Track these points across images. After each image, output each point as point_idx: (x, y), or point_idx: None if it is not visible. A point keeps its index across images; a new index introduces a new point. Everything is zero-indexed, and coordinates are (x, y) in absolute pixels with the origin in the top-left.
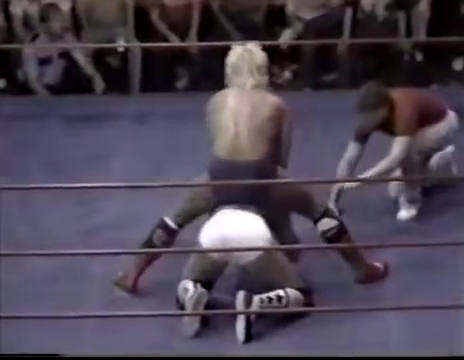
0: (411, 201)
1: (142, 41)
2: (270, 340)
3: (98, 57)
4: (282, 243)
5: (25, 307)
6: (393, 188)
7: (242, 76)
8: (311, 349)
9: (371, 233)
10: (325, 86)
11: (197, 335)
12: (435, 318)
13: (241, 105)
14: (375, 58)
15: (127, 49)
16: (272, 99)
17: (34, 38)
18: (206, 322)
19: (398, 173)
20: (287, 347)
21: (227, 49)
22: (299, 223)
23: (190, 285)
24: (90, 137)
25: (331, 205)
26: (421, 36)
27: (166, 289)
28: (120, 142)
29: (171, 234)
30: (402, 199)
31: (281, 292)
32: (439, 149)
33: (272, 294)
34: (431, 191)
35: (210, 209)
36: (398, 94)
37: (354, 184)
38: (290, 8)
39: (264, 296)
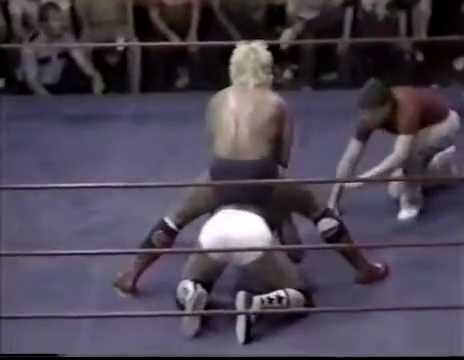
0: (412, 201)
1: (142, 40)
2: (270, 341)
3: (97, 57)
4: (283, 243)
5: (24, 307)
6: (394, 188)
7: (245, 75)
8: (311, 350)
9: (372, 233)
10: (325, 86)
11: (197, 335)
12: (435, 318)
13: (242, 104)
14: (375, 58)
15: (126, 48)
16: (274, 99)
17: (33, 37)
18: (206, 322)
19: (399, 173)
20: (287, 348)
21: (227, 48)
22: (299, 223)
23: (190, 285)
24: (89, 137)
25: (331, 205)
26: (422, 35)
27: (166, 289)
28: (119, 142)
29: (171, 235)
30: (403, 199)
31: (281, 293)
32: (440, 149)
33: (272, 294)
34: (432, 191)
35: (210, 209)
36: (401, 92)
37: (355, 184)
38: (290, 8)
39: (264, 296)
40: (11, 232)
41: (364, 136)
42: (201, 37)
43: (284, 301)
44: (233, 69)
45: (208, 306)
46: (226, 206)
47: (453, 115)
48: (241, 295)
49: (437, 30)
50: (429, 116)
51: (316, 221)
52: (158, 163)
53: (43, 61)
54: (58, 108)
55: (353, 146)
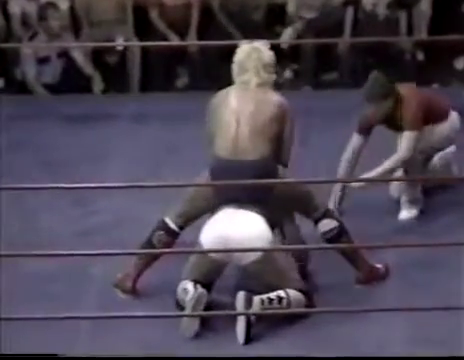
0: (412, 201)
1: (141, 40)
2: (270, 341)
3: (97, 56)
4: (285, 243)
5: (24, 308)
6: (394, 188)
7: (247, 74)
8: (312, 350)
9: (372, 233)
10: (326, 85)
11: (197, 336)
12: (436, 319)
13: (243, 104)
14: (376, 57)
15: (126, 48)
16: (275, 98)
17: (32, 37)
18: (206, 323)
19: (399, 173)
20: (288, 348)
21: (227, 48)
22: (300, 224)
23: (190, 286)
24: (89, 137)
25: (332, 205)
26: (422, 35)
27: (166, 290)
28: (119, 142)
29: (172, 235)
30: (403, 199)
31: (282, 293)
32: (441, 149)
33: (273, 295)
34: (432, 191)
35: (211, 209)
36: (404, 88)
37: (357, 184)
38: (291, 7)
39: (264, 297)
40: (11, 232)
41: (366, 131)
42: (201, 37)
43: (284, 301)
44: (235, 68)
45: (208, 306)
46: (226, 206)
47: (454, 115)
48: (241, 295)
49: (437, 30)
50: (431, 115)
51: (316, 222)
52: (158, 163)
53: (42, 61)
54: (58, 108)
55: (355, 140)
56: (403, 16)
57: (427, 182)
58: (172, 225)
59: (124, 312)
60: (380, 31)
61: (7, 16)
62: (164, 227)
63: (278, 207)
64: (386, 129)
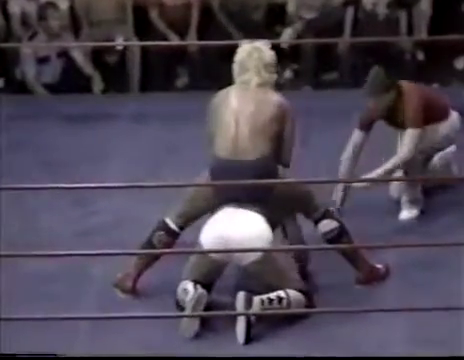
0: (413, 202)
1: (141, 40)
2: (270, 341)
3: (97, 56)
4: (286, 243)
5: (24, 308)
6: (395, 189)
7: (248, 73)
8: (312, 350)
9: (372, 234)
10: (326, 85)
11: (197, 336)
12: (436, 319)
13: (244, 104)
14: (376, 57)
15: (126, 48)
16: (275, 98)
17: (32, 37)
18: (206, 323)
19: (399, 173)
20: (288, 348)
21: (227, 48)
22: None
23: (190, 286)
24: (89, 137)
25: (336, 198)
26: (422, 35)
27: (166, 290)
28: (119, 142)
29: (172, 236)
30: (404, 200)
31: (282, 293)
32: (441, 149)
33: (273, 295)
34: (432, 191)
35: (211, 209)
36: (405, 84)
37: (360, 184)
38: (291, 7)
39: (264, 297)
40: (11, 232)
41: (367, 126)
42: (201, 37)
43: (284, 302)
44: (236, 68)
45: (208, 306)
46: (226, 205)
47: (454, 115)
48: (241, 295)
49: (438, 29)
50: (432, 113)
51: (317, 222)
52: (158, 163)
53: (42, 60)
54: (57, 108)
55: (356, 136)
56: (403, 16)
57: (427, 182)
58: (172, 225)
59: (124, 312)
60: (380, 31)
61: (7, 16)
62: (164, 227)
63: (278, 207)
64: (386, 129)
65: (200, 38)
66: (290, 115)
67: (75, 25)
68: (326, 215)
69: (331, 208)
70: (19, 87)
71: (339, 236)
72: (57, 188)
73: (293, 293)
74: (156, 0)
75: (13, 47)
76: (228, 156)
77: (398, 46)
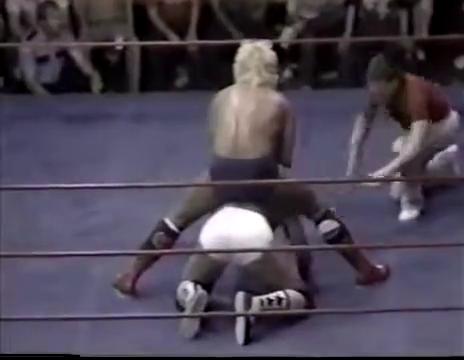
0: (413, 202)
1: (141, 39)
2: (270, 342)
3: (96, 56)
4: (291, 243)
5: (23, 308)
6: (395, 189)
7: (249, 73)
8: (312, 351)
9: (373, 234)
10: (325, 85)
11: (196, 336)
12: (436, 319)
13: (244, 103)
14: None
15: (126, 47)
16: (276, 98)
17: (31, 36)
18: (205, 324)
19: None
20: (287, 349)
21: (227, 47)
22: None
23: (190, 286)
24: (88, 136)
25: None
26: (423, 34)
27: (165, 290)
28: (119, 141)
29: (172, 236)
30: (404, 200)
31: (281, 294)
32: (440, 149)
33: (272, 295)
34: (433, 192)
35: (211, 210)
36: (410, 77)
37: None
38: (291, 7)
39: (264, 297)
40: (11, 232)
41: (371, 112)
42: (200, 36)
43: (284, 302)
44: (237, 68)
45: (208, 307)
46: (226, 205)
47: (453, 114)
48: (240, 296)
49: (438, 29)
50: (434, 110)
51: (317, 222)
52: (157, 163)
53: (41, 60)
54: (57, 107)
55: (361, 121)
56: (404, 15)
57: (427, 182)
58: (172, 226)
59: (124, 312)
60: (381, 30)
61: (6, 15)
62: (164, 228)
63: (279, 207)
64: (386, 129)
65: (200, 37)
66: (291, 115)
67: (74, 24)
68: (327, 215)
69: (332, 208)
70: (18, 87)
71: (340, 236)
72: (57, 188)
73: (293, 293)
74: None
75: (12, 47)
76: (228, 155)
77: (399, 45)
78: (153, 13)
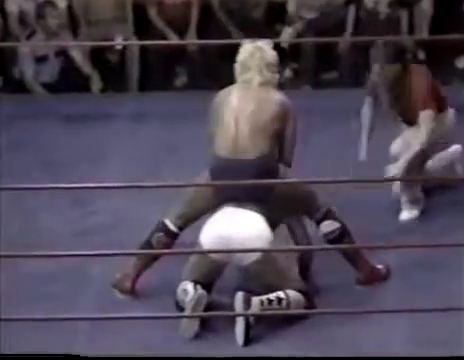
0: (413, 202)
1: (140, 39)
2: (270, 342)
3: (96, 55)
4: (297, 243)
5: (23, 308)
6: (398, 186)
7: (250, 72)
8: (312, 351)
9: (373, 234)
10: (325, 85)
11: (196, 337)
12: (436, 319)
13: (245, 103)
14: None
15: (125, 47)
16: (277, 97)
17: (30, 36)
18: (205, 324)
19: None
20: (287, 349)
21: (227, 47)
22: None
23: (190, 287)
24: (88, 136)
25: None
26: (424, 34)
27: (165, 290)
28: (118, 141)
29: (171, 237)
30: (403, 200)
31: (281, 294)
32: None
33: (272, 296)
34: (433, 192)
35: (211, 210)
36: (414, 66)
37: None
38: (291, 7)
39: (264, 298)
40: (10, 232)
41: (375, 92)
42: (200, 35)
43: (284, 302)
44: (238, 67)
45: (208, 307)
46: (226, 205)
47: (451, 111)
48: (240, 296)
49: (439, 29)
50: (436, 98)
51: (318, 222)
52: (157, 163)
53: (40, 60)
54: (56, 107)
55: (369, 102)
56: (404, 15)
57: (427, 182)
58: (171, 226)
59: (123, 312)
60: (381, 30)
61: (5, 14)
62: (163, 229)
63: (279, 206)
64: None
65: (200, 37)
66: (292, 114)
67: (73, 24)
68: (328, 215)
69: (333, 208)
70: (17, 86)
71: (341, 237)
72: (57, 188)
73: (293, 294)
74: None
75: (11, 46)
76: (228, 155)
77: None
78: (153, 12)
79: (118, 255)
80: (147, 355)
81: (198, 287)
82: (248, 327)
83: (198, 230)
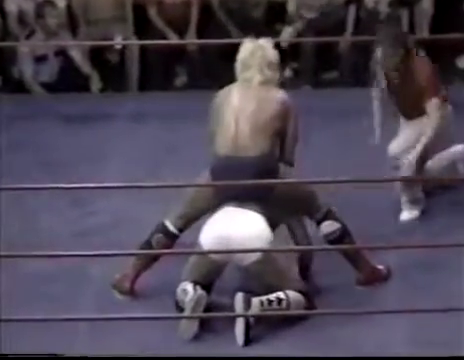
0: (413, 202)
1: (140, 38)
2: (270, 343)
3: (95, 55)
4: (297, 243)
5: (23, 308)
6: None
7: (250, 71)
8: (312, 352)
9: (374, 234)
10: (325, 84)
11: (196, 337)
12: (436, 319)
13: (245, 102)
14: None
15: (124, 47)
16: (278, 95)
17: (29, 35)
18: (205, 324)
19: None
20: (287, 350)
21: (226, 46)
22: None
23: (189, 287)
24: (87, 136)
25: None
26: (424, 33)
27: (165, 291)
28: (117, 141)
29: (171, 238)
30: (404, 200)
31: (281, 294)
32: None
33: (272, 296)
34: (434, 192)
35: (211, 210)
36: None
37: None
38: (291, 6)
39: (264, 298)
40: (10, 233)
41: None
42: (200, 35)
43: (284, 303)
44: (238, 66)
45: (208, 307)
46: (226, 204)
47: (449, 107)
48: (239, 296)
49: (439, 28)
50: (440, 87)
51: (319, 222)
52: (157, 163)
53: (40, 59)
54: (55, 107)
55: (377, 85)
56: (405, 14)
57: (427, 183)
58: (171, 228)
59: (123, 313)
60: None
61: (4, 14)
62: (163, 230)
63: (279, 206)
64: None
65: (199, 36)
66: (293, 112)
67: (73, 23)
68: (328, 216)
69: (333, 208)
70: (16, 86)
71: (341, 237)
72: (56, 188)
73: (293, 294)
74: None
75: (10, 46)
76: (229, 153)
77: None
78: (152, 12)
79: (118, 255)
80: (147, 355)
81: (198, 288)
82: (248, 328)
83: (198, 231)
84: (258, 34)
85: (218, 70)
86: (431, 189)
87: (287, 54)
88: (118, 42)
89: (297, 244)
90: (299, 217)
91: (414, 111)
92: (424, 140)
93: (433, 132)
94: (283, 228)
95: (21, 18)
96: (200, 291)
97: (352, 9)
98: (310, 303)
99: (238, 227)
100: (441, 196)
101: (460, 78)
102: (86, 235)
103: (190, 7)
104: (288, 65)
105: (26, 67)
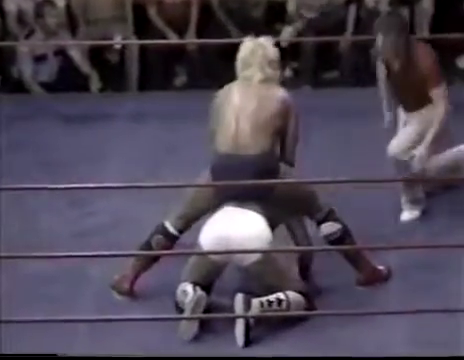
0: (413, 202)
1: (140, 38)
2: (270, 344)
3: (95, 55)
4: (297, 244)
5: (23, 309)
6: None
7: (251, 69)
8: (312, 353)
9: (374, 235)
10: (326, 84)
11: (196, 338)
12: (436, 319)
13: (245, 100)
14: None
15: (124, 46)
16: (279, 94)
17: (29, 35)
18: (205, 325)
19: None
20: (287, 351)
21: (226, 46)
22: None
23: (189, 288)
24: (87, 136)
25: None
26: (424, 33)
27: (165, 292)
28: (117, 141)
29: (171, 240)
30: (404, 200)
31: (281, 295)
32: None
33: (272, 297)
34: (434, 192)
35: (211, 210)
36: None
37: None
38: (291, 6)
39: (264, 299)
40: (10, 233)
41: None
42: (200, 35)
43: (284, 304)
44: (239, 64)
45: (208, 308)
46: (226, 204)
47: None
48: (239, 297)
49: (439, 28)
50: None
51: (319, 223)
52: (156, 163)
53: (39, 59)
54: (55, 107)
55: (381, 67)
56: (405, 14)
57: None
58: (171, 229)
59: (123, 314)
60: None
61: (3, 14)
62: (163, 231)
63: (280, 206)
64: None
65: (199, 36)
66: (293, 111)
67: (72, 23)
68: (329, 216)
69: (334, 208)
70: (16, 86)
71: (342, 238)
72: (56, 188)
73: (293, 295)
74: None
75: (10, 45)
76: (229, 151)
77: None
78: (152, 12)
79: (117, 256)
80: (146, 356)
81: (197, 288)
82: (248, 328)
83: (198, 231)
84: (258, 34)
85: (218, 70)
86: (432, 189)
87: (287, 54)
88: (118, 42)
89: (297, 244)
90: (299, 217)
91: (415, 101)
92: (432, 130)
93: (442, 121)
94: (283, 228)
95: (20, 18)
96: (200, 292)
97: (352, 9)
98: (310, 304)
99: (238, 227)
100: (441, 196)
101: (460, 78)
102: (86, 235)
103: (190, 7)
104: (288, 65)
105: (25, 67)
